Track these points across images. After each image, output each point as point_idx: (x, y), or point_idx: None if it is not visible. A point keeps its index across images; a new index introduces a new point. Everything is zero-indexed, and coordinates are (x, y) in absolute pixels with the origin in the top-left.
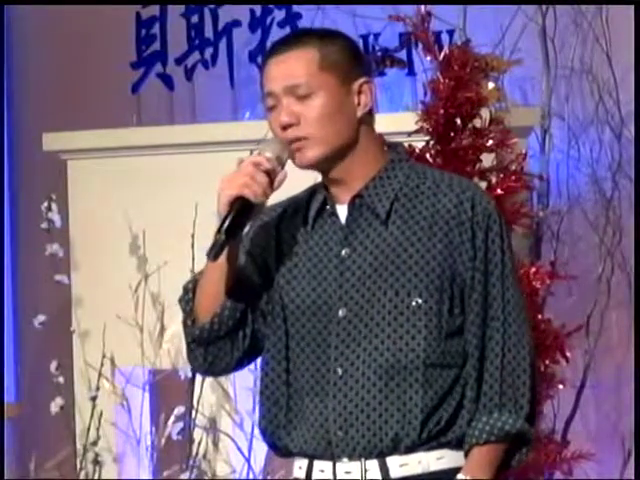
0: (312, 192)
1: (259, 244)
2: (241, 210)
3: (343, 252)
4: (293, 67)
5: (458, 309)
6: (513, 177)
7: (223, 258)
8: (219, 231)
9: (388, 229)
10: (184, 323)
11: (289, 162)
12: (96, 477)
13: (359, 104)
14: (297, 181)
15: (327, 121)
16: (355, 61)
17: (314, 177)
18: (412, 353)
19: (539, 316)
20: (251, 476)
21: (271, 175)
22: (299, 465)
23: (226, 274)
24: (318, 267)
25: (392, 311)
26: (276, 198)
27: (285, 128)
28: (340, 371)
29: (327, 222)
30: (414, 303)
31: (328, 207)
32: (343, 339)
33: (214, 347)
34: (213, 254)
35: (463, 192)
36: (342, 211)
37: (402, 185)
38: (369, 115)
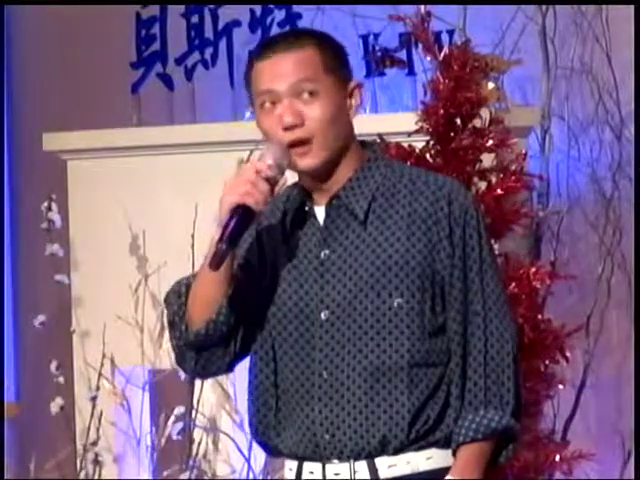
0: (289, 193)
1: (242, 247)
2: (242, 218)
3: (322, 254)
4: (298, 67)
5: (440, 307)
6: (513, 177)
7: (222, 266)
8: (220, 240)
9: (367, 230)
10: (177, 326)
11: None
12: (96, 477)
13: (351, 107)
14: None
15: (330, 123)
16: (346, 63)
17: None
18: (396, 354)
19: (539, 316)
20: (251, 476)
21: (271, 182)
22: (289, 467)
23: (222, 281)
24: (299, 269)
25: (374, 312)
26: None
27: (288, 129)
28: (325, 374)
29: (306, 224)
30: (395, 304)
31: (307, 209)
32: (327, 342)
33: (207, 352)
34: (215, 263)
35: (439, 189)
36: (320, 212)
37: (379, 185)
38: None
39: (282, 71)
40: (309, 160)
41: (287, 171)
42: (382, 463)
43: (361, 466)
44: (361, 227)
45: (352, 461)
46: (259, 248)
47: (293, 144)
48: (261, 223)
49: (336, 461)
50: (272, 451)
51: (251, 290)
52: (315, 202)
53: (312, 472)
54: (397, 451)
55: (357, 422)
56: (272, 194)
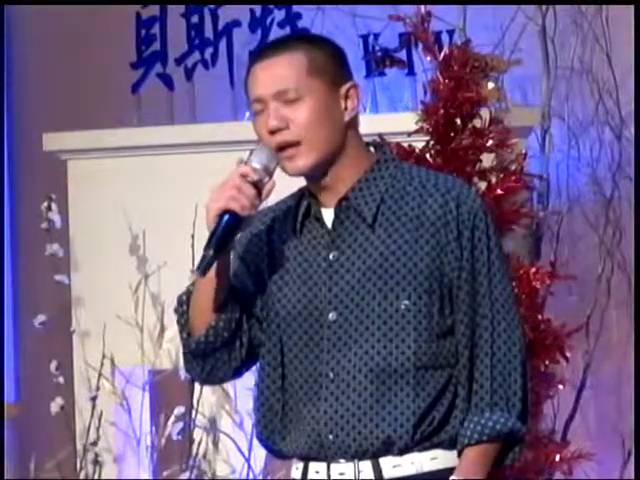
0: (300, 196)
1: (251, 251)
2: (229, 224)
3: (331, 256)
4: (281, 72)
5: (448, 309)
6: (513, 177)
7: (213, 272)
8: (207, 246)
9: (375, 232)
10: (180, 335)
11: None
12: (96, 477)
13: (346, 109)
14: (289, 186)
15: (317, 125)
16: (341, 66)
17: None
18: (402, 356)
19: (539, 316)
20: (251, 476)
21: (258, 186)
22: (296, 466)
23: (217, 288)
24: (308, 272)
25: (381, 314)
26: (267, 203)
27: (273, 132)
28: (332, 375)
29: (315, 226)
30: (403, 306)
31: (314, 211)
32: (334, 343)
33: (211, 358)
34: (202, 270)
35: (448, 192)
36: (329, 215)
37: (388, 187)
38: (354, 118)
39: (269, 76)
40: (298, 163)
41: (276, 174)
42: (386, 463)
43: (365, 466)
44: (369, 229)
45: (356, 461)
46: (268, 252)
47: (281, 147)
48: (273, 227)
49: (342, 461)
50: (277, 454)
51: (257, 294)
52: (324, 204)
53: (318, 472)
54: (401, 452)
55: (361, 423)
56: (259, 197)
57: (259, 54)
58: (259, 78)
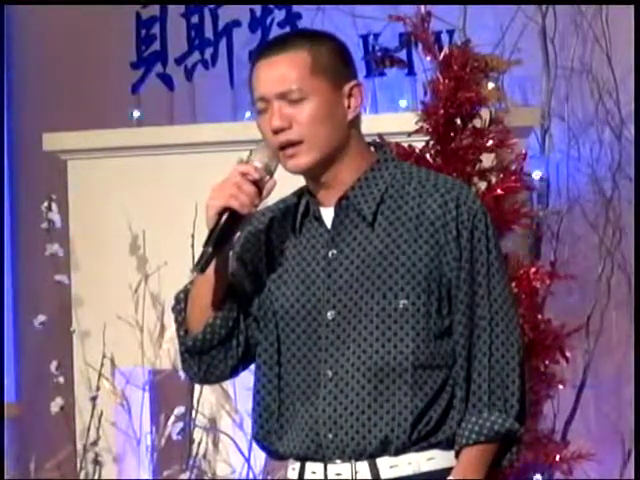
0: (299, 196)
1: (249, 250)
2: (228, 222)
3: (330, 254)
4: (285, 71)
5: (446, 310)
6: (513, 177)
7: (211, 270)
8: (206, 243)
9: (374, 231)
10: (177, 332)
11: (279, 167)
12: (96, 477)
13: (349, 107)
14: (290, 186)
15: (319, 124)
16: (345, 63)
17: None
18: (400, 355)
19: (539, 316)
20: (251, 476)
21: (259, 184)
22: (292, 467)
23: (215, 285)
24: (306, 271)
25: (380, 313)
26: (267, 203)
27: (277, 132)
28: (330, 373)
29: (314, 225)
30: (401, 305)
31: (313, 210)
32: (332, 341)
33: (208, 356)
34: (200, 267)
35: (448, 192)
36: (328, 214)
37: (388, 186)
38: (357, 117)
39: (272, 76)
40: (298, 161)
41: (277, 173)
42: (383, 463)
43: (362, 466)
44: (369, 228)
45: (353, 461)
46: (266, 251)
47: (283, 146)
48: (272, 227)
49: (338, 461)
50: (273, 455)
51: (254, 293)
52: (323, 203)
53: (314, 472)
54: (399, 452)
55: (359, 422)
56: (260, 196)
57: (263, 51)
58: (263, 77)
